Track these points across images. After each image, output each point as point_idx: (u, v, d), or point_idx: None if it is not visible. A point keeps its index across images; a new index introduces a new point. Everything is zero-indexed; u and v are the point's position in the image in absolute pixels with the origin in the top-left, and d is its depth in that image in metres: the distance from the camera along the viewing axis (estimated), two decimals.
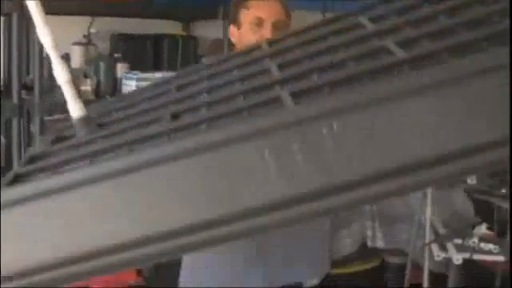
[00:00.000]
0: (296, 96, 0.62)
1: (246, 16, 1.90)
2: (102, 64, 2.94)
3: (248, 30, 1.89)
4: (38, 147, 0.88)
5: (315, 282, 3.12)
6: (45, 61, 2.80)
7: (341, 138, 0.57)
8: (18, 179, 0.72)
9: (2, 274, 0.62)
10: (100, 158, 0.69)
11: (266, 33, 1.85)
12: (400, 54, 0.63)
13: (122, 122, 0.85)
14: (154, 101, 0.89)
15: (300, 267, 1.99)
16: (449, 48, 0.61)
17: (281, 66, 0.76)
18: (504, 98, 0.55)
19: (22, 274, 0.63)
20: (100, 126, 0.85)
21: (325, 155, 0.58)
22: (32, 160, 0.79)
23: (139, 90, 1.20)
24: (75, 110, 0.79)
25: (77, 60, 3.02)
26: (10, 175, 0.72)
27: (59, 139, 0.88)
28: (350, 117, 0.57)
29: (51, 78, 2.86)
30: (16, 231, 0.63)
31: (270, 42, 0.95)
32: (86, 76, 2.93)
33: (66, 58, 3.04)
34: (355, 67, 0.66)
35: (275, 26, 1.86)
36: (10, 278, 0.63)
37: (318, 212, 0.60)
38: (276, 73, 0.74)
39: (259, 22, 1.87)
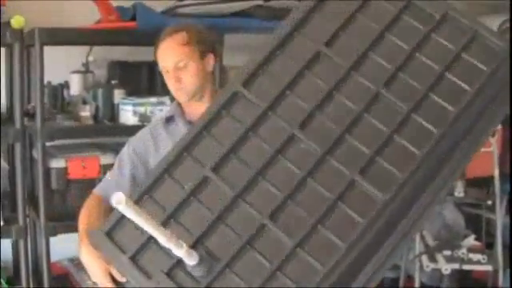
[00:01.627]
0: None
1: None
2: (100, 90, 3.03)
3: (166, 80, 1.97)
4: None
5: None
6: (45, 89, 2.91)
7: None
8: None
9: None
10: None
11: (169, 78, 1.92)
12: None
13: None
14: None
15: None
16: None
17: None
18: None
19: None
20: None
21: None
22: None
23: None
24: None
25: (76, 87, 3.11)
26: None
27: None
28: None
29: (51, 105, 2.97)
30: None
31: None
32: (84, 102, 3.04)
33: (65, 85, 3.15)
34: None
35: (177, 68, 1.91)
36: None
37: None
38: None
39: (166, 71, 1.94)
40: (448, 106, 1.39)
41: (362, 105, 1.40)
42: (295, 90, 1.45)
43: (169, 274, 1.35)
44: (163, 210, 1.41)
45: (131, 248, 1.41)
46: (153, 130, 2.02)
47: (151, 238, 1.32)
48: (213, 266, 1.32)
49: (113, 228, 1.45)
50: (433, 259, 3.21)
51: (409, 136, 1.37)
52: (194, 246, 1.33)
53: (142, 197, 1.44)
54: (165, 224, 1.35)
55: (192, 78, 1.92)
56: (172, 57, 1.91)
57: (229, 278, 1.32)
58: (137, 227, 1.23)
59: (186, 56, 1.91)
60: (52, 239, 2.77)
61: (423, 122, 1.38)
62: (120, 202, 1.12)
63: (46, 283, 2.75)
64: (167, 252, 1.30)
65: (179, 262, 1.33)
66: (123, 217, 1.37)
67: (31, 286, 3.03)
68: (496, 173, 3.39)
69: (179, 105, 2.02)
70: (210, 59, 1.97)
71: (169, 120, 2.01)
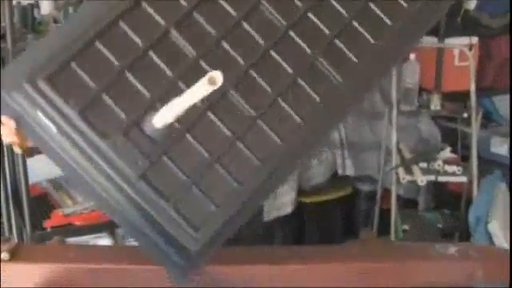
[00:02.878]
0: None
1: None
2: (71, 9, 3.00)
3: None
4: None
5: (289, 210, 3.27)
6: (15, 9, 2.86)
7: None
8: None
9: None
10: None
11: None
12: None
13: None
14: None
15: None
16: None
17: None
18: None
19: None
20: None
21: None
22: None
23: None
24: None
25: (46, 6, 3.07)
26: None
27: None
28: None
29: (22, 25, 2.93)
30: None
31: None
32: (56, 22, 3.00)
33: (35, 5, 3.10)
34: None
35: None
36: None
37: None
38: None
39: None
40: None
41: None
42: None
43: (126, 134, 1.25)
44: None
45: (80, 101, 1.24)
46: None
47: (109, 88, 1.24)
48: (173, 130, 1.27)
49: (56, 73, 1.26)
50: (409, 171, 3.26)
51: None
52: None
53: None
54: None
55: None
56: None
57: (187, 142, 1.28)
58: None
59: None
60: (29, 161, 2.77)
61: None
62: None
63: (25, 204, 2.76)
64: (124, 109, 1.24)
65: (136, 123, 1.25)
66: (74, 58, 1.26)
67: (11, 208, 3.05)
68: (472, 87, 3.42)
69: None
70: None
71: None
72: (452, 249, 1.56)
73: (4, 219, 3.04)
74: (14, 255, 1.41)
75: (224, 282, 1.44)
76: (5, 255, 1.40)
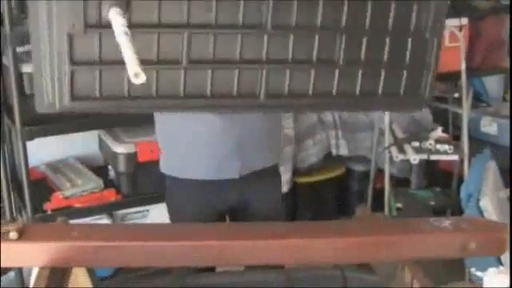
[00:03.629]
0: None
1: None
2: None
3: None
4: None
5: (284, 190, 3.32)
6: None
7: None
8: None
9: None
10: None
11: None
12: None
13: None
14: None
15: (267, 153, 2.24)
16: None
17: None
18: None
19: None
20: None
21: None
22: None
23: None
24: None
25: None
26: None
27: None
28: None
29: (19, 10, 2.93)
30: None
31: None
32: None
33: None
34: None
35: None
36: None
37: None
38: None
39: None
40: None
41: None
42: None
43: None
44: None
45: None
46: None
47: None
48: None
49: None
50: (402, 150, 3.33)
51: None
52: None
53: None
54: None
55: None
56: None
57: None
58: None
59: None
60: (28, 145, 2.80)
61: None
62: None
63: (25, 187, 2.79)
64: None
65: None
66: None
67: (11, 193, 3.10)
68: (462, 67, 3.48)
69: None
70: None
71: None
72: (446, 222, 1.59)
73: (5, 203, 3.09)
74: (22, 234, 1.43)
75: (225, 256, 1.47)
76: (13, 234, 1.41)
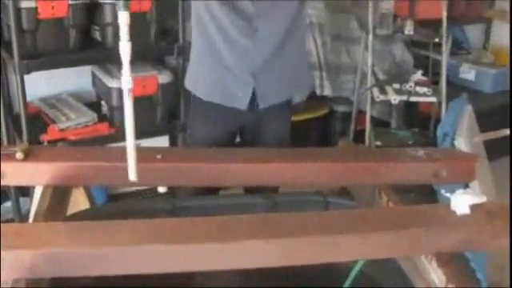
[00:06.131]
0: None
1: None
2: None
3: None
4: None
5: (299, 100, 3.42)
6: None
7: None
8: None
9: None
10: None
11: None
12: None
13: None
14: None
15: (288, 87, 2.34)
16: None
17: None
18: None
19: None
20: None
21: None
22: None
23: None
24: None
25: None
26: None
27: None
28: None
29: None
30: None
31: None
32: None
33: None
34: None
35: None
36: None
37: None
38: None
39: None
40: None
41: None
42: None
43: None
44: None
45: None
46: None
47: None
48: None
49: None
50: (383, 91, 3.46)
51: None
52: None
53: None
54: None
55: None
56: None
57: None
58: None
59: None
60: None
61: None
62: None
63: (23, 119, 2.86)
64: None
65: None
66: None
67: (10, 127, 3.19)
68: (444, 13, 3.59)
69: None
70: None
71: None
72: (420, 152, 1.71)
73: (3, 135, 3.18)
74: (28, 155, 1.48)
75: (215, 178, 1.58)
76: (19, 155, 1.46)
